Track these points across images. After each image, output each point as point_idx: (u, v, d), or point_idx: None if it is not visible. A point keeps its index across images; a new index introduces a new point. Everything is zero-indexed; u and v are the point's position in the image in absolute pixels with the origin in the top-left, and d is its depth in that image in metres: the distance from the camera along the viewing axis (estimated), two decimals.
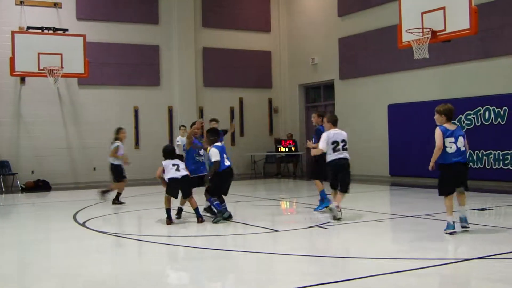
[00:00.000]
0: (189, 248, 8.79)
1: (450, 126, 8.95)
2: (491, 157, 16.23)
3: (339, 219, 10.39)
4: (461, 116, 17.00)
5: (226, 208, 10.90)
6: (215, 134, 11.09)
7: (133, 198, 15.83)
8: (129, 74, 21.79)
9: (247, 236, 9.76)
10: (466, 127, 16.90)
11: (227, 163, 10.80)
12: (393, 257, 7.67)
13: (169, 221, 10.76)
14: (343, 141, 10.73)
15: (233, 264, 7.61)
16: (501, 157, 15.98)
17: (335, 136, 10.68)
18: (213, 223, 10.58)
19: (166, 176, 10.73)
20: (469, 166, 9.17)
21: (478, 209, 11.77)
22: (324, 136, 10.67)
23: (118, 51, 21.63)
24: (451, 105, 9.17)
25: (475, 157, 16.61)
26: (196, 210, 10.90)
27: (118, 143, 14.19)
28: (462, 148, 8.86)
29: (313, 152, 11.00)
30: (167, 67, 22.58)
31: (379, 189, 16.73)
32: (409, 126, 18.43)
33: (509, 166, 15.78)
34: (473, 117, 16.65)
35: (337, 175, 10.75)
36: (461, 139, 8.86)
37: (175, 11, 22.63)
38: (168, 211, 10.78)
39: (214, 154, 10.61)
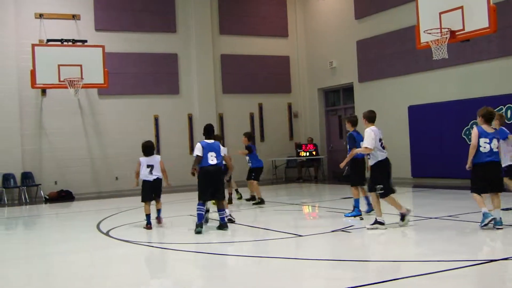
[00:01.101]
0: (213, 255, 8.79)
1: (487, 128, 9.34)
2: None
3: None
4: None
5: (201, 222, 10.51)
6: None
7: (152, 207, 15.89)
8: (148, 83, 21.92)
9: (269, 242, 9.74)
10: None
11: (212, 161, 10.50)
12: (418, 260, 7.62)
13: (148, 226, 11.36)
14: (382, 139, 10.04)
15: (257, 271, 7.61)
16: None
17: (380, 133, 10.03)
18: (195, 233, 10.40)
19: (140, 176, 11.45)
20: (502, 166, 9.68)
21: (503, 209, 11.64)
22: (370, 134, 9.80)
23: (137, 60, 21.77)
24: (490, 108, 9.57)
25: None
26: (159, 211, 11.71)
27: None
28: (495, 150, 9.26)
29: (360, 151, 10.24)
30: (185, 75, 22.67)
31: (401, 191, 16.59)
32: (429, 127, 18.32)
33: None
34: None
35: (389, 177, 10.05)
36: (495, 141, 9.28)
37: (192, 19, 22.73)
38: (147, 216, 11.42)
39: (196, 148, 10.65)
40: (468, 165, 9.35)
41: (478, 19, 12.56)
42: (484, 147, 9.20)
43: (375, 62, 20.85)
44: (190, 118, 22.60)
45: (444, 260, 7.41)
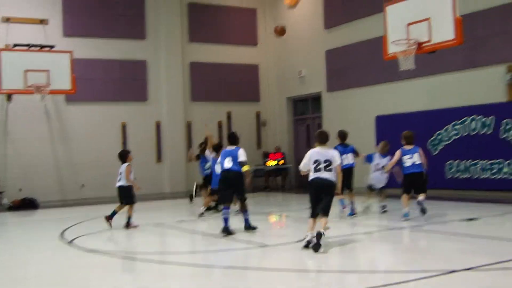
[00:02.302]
0: (178, 265, 8.72)
1: (407, 147, 12.23)
2: (478, 167, 16.27)
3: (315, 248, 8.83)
4: (447, 126, 17.06)
5: (226, 225, 10.93)
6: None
7: (119, 216, 15.76)
8: (116, 90, 21.73)
9: (231, 252, 9.70)
10: (453, 137, 16.96)
11: (227, 165, 11.12)
12: (379, 270, 7.64)
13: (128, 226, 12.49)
14: (323, 161, 9.30)
15: (218, 282, 7.56)
16: (488, 167, 16.02)
17: (325, 155, 9.31)
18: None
19: None
20: (424, 175, 12.03)
21: (466, 219, 11.78)
22: (306, 155, 9.49)
23: (105, 67, 21.58)
24: (408, 133, 12.50)
25: (462, 167, 16.65)
26: (127, 217, 12.52)
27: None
28: (417, 162, 11.93)
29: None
30: (154, 82, 22.53)
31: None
32: (396, 137, 18.40)
33: (496, 176, 15.82)
34: (460, 127, 16.71)
35: (317, 200, 9.29)
36: (416, 155, 12.02)
37: (162, 26, 22.63)
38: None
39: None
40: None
41: (444, 31, 12.73)
42: (406, 162, 12.00)
43: (344, 72, 20.97)
44: (158, 126, 22.46)
45: (406, 270, 7.45)
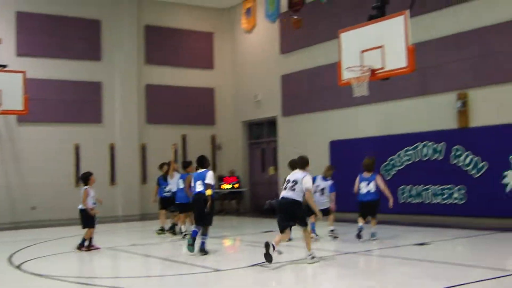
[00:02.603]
0: None
1: (365, 174, 12.89)
2: (429, 192, 16.55)
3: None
4: (400, 152, 17.33)
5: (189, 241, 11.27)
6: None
7: (72, 238, 15.51)
8: (70, 111, 21.46)
9: (185, 276, 9.62)
10: (405, 162, 17.23)
11: (198, 189, 11.39)
12: None
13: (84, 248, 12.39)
14: (291, 181, 10.03)
15: None
16: (439, 192, 16.31)
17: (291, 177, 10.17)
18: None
19: None
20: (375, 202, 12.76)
21: (417, 244, 11.94)
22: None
23: (59, 87, 21.31)
24: (367, 160, 13.09)
25: (414, 192, 16.91)
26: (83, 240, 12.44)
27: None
28: (372, 190, 12.70)
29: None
30: (109, 103, 22.34)
31: (319, 225, 16.78)
32: (350, 162, 18.62)
33: (446, 201, 16.10)
34: (412, 153, 16.99)
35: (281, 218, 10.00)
36: (372, 183, 12.68)
37: (118, 48, 22.51)
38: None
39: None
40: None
41: (397, 58, 12.92)
42: (361, 189, 12.90)
43: (299, 97, 21.16)
44: (112, 148, 22.24)
45: None
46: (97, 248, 12.52)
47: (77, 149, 21.53)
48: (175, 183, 14.93)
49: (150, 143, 22.85)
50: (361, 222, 12.62)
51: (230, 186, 23.31)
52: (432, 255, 10.66)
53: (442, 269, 9.16)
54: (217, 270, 9.81)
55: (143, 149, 22.77)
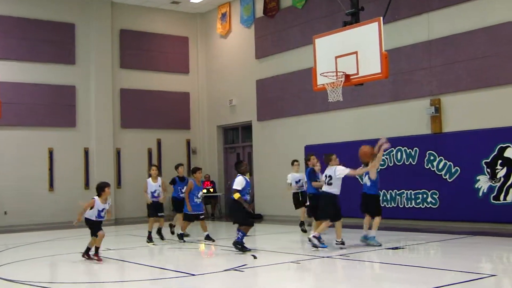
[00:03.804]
0: None
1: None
2: (403, 196, 16.70)
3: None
4: None
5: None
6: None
7: (48, 242, 15.40)
8: (43, 115, 21.26)
9: (162, 281, 9.60)
10: (380, 167, 17.33)
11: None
12: None
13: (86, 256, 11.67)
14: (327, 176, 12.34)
15: None
16: (413, 196, 16.46)
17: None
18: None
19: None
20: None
21: (392, 248, 12.03)
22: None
23: (33, 91, 21.10)
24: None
25: (388, 196, 17.04)
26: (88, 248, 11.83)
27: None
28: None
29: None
30: (83, 108, 22.18)
31: (295, 229, 16.84)
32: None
33: (420, 205, 16.25)
34: (386, 158, 17.12)
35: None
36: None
37: (93, 52, 22.37)
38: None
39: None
40: None
41: (371, 64, 13.09)
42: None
43: (274, 102, 21.22)
44: (86, 152, 22.08)
45: None
46: (99, 260, 11.54)
47: (51, 153, 21.34)
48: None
49: (125, 148, 22.74)
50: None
51: (205, 190, 23.25)
52: (406, 259, 10.75)
53: (415, 273, 9.24)
54: (192, 275, 9.80)
55: (118, 153, 22.65)
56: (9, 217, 20.12)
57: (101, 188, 11.82)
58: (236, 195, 11.85)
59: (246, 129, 23.25)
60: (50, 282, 9.95)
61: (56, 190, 21.27)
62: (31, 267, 11.58)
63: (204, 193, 14.62)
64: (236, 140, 24.24)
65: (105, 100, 22.49)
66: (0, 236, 17.78)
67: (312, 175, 13.89)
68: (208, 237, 14.46)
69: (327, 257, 11.08)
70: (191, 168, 23.95)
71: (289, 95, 20.50)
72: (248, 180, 12.23)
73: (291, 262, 10.63)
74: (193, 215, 14.42)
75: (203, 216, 14.60)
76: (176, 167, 15.50)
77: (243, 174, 12.19)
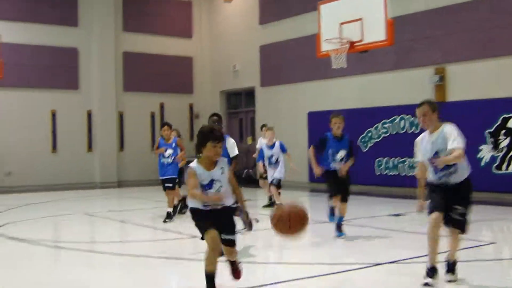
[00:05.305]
0: (108, 255, 8.66)
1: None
2: (406, 165, 16.76)
3: None
4: (377, 124, 17.49)
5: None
6: None
7: (52, 203, 15.53)
8: (46, 77, 21.20)
9: (165, 242, 9.70)
10: (383, 135, 17.40)
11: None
12: (306, 263, 7.80)
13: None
14: None
15: (151, 271, 7.56)
16: (415, 165, 16.50)
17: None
18: None
19: None
20: None
21: (393, 215, 12.12)
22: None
23: (35, 52, 21.01)
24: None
25: (391, 164, 17.11)
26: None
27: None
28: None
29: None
30: (86, 70, 22.12)
31: (298, 195, 16.95)
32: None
33: None
34: (389, 126, 17.14)
35: None
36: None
37: (95, 14, 22.22)
38: None
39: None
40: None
41: (376, 31, 13.01)
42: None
43: (278, 68, 21.17)
44: (89, 115, 22.09)
45: (331, 263, 7.64)
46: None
47: (53, 115, 21.36)
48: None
49: (128, 111, 22.74)
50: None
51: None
52: (407, 226, 10.84)
53: (415, 239, 9.33)
54: (193, 237, 9.88)
55: (121, 116, 22.66)
56: (13, 178, 20.22)
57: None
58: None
59: (249, 94, 23.21)
60: (56, 241, 10.07)
61: (59, 152, 21.34)
62: (34, 226, 11.70)
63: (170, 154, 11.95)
64: (239, 105, 24.22)
65: (107, 63, 22.41)
66: (3, 196, 17.92)
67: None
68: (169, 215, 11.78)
69: (326, 222, 11.16)
70: (194, 133, 24.24)
71: (293, 61, 20.43)
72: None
73: None
74: (161, 180, 12.20)
75: (170, 185, 11.99)
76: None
77: None
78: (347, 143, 9.52)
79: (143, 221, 11.97)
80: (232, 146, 9.21)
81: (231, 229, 5.97)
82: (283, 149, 13.53)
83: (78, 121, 21.86)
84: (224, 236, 5.87)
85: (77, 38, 22.00)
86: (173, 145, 12.18)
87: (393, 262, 7.65)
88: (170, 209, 11.71)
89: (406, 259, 7.81)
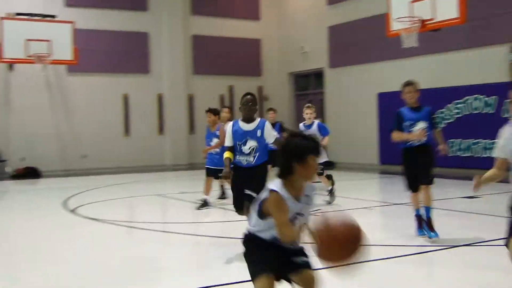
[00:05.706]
0: (181, 235, 8.83)
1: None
2: (480, 146, 16.36)
3: None
4: (450, 105, 17.11)
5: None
6: None
7: (125, 185, 15.91)
8: (118, 62, 21.66)
9: (238, 223, 9.79)
10: (456, 115, 17.02)
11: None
12: (381, 244, 7.74)
13: None
14: None
15: (222, 251, 7.66)
16: (490, 146, 16.09)
17: None
18: None
19: None
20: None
21: (467, 197, 11.87)
22: None
23: (107, 38, 21.47)
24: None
25: (464, 145, 16.74)
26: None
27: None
28: None
29: None
30: (156, 54, 22.47)
31: (369, 177, 16.83)
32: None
33: None
34: (462, 106, 16.75)
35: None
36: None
37: None
38: None
39: None
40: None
41: (448, 9, 12.73)
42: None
43: (346, 48, 20.94)
44: (160, 98, 22.46)
45: (408, 245, 7.55)
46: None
47: (125, 99, 21.81)
48: None
49: (197, 94, 22.99)
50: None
51: None
52: (482, 208, 10.60)
53: (491, 221, 9.13)
54: None
55: (191, 99, 22.94)
56: (88, 161, 20.79)
57: None
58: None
59: (318, 76, 23.08)
60: (130, 221, 10.32)
61: (131, 135, 21.81)
62: (111, 207, 12.02)
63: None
64: (308, 87, 24.11)
65: (177, 46, 22.69)
66: (81, 178, 18.48)
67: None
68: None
69: (399, 204, 11.03)
70: (263, 116, 24.31)
71: (362, 42, 20.17)
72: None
73: (365, 208, 10.66)
74: (210, 169, 11.47)
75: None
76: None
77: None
78: (427, 114, 8.15)
79: (214, 202, 12.11)
80: (271, 130, 7.75)
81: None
82: (323, 130, 11.63)
83: (149, 104, 22.27)
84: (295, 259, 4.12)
85: (147, 23, 22.34)
86: (217, 133, 11.45)
87: (468, 244, 7.50)
88: (207, 196, 11.18)
89: (482, 241, 7.64)
